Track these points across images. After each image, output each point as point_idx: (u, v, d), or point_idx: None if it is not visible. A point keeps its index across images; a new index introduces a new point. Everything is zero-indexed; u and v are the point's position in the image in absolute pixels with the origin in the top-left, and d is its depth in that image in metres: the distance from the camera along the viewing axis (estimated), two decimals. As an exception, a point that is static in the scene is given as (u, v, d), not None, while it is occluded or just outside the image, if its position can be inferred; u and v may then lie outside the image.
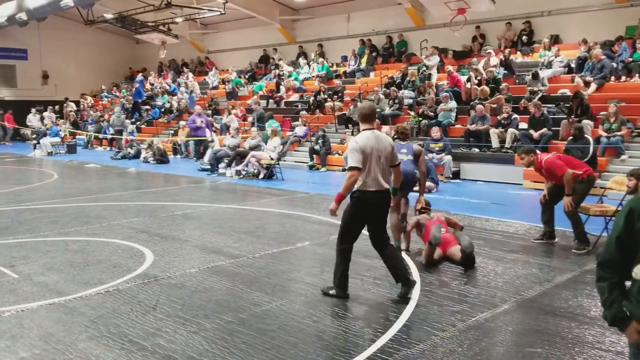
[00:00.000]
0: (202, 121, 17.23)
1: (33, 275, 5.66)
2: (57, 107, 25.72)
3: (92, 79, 29.50)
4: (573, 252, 6.63)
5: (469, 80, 15.44)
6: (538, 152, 7.05)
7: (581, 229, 6.67)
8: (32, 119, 24.32)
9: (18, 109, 26.19)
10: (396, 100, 16.14)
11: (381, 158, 4.93)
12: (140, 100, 23.93)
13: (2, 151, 22.01)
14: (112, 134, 21.44)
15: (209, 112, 20.38)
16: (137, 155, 18.38)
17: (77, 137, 22.90)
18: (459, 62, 17.72)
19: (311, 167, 15.38)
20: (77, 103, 26.94)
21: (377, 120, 7.25)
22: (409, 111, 15.88)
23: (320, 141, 15.43)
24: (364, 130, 5.09)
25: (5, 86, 27.83)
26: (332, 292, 5.09)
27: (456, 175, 13.06)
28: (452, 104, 14.84)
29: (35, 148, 20.87)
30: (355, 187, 4.91)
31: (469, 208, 9.42)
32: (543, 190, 7.29)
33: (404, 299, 4.93)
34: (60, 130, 21.59)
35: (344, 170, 14.43)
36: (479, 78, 15.34)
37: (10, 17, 22.92)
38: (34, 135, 22.03)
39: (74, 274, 5.74)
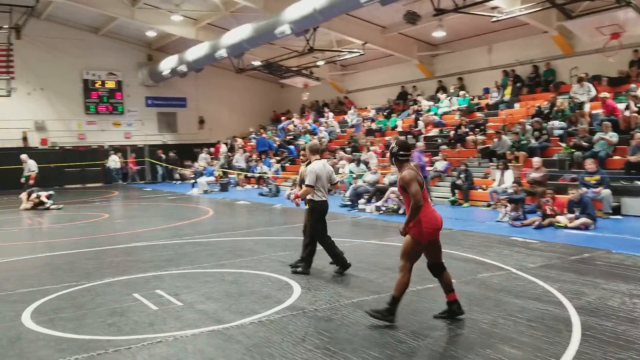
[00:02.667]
0: (426, 160, 17.77)
1: (195, 304, 6.15)
2: (211, 149, 27.96)
3: (242, 122, 31.81)
4: None
5: (627, 107, 14.21)
6: None
7: None
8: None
9: (179, 151, 28.98)
10: (543, 132, 15.32)
11: (325, 178, 7.34)
12: (262, 150, 25.10)
13: (165, 190, 24.33)
14: (238, 172, 23.57)
15: (349, 149, 20.87)
16: (277, 193, 19.40)
17: (230, 176, 24.65)
18: (614, 89, 16.40)
19: (453, 203, 15.02)
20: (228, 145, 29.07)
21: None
22: (560, 142, 14.96)
23: (462, 176, 15.05)
24: (315, 160, 7.41)
25: (168, 131, 30.98)
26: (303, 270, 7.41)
27: (616, 210, 11.94)
28: (613, 134, 13.61)
29: (193, 187, 22.78)
30: (313, 198, 7.32)
31: (633, 246, 8.55)
32: None
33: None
34: (214, 170, 23.41)
35: (488, 205, 13.91)
36: (638, 105, 14.06)
37: (173, 69, 26.15)
38: (193, 175, 24.04)
39: (230, 303, 6.14)
